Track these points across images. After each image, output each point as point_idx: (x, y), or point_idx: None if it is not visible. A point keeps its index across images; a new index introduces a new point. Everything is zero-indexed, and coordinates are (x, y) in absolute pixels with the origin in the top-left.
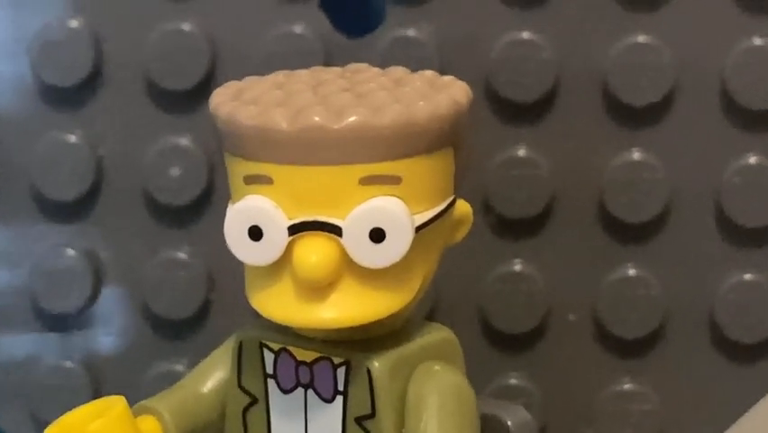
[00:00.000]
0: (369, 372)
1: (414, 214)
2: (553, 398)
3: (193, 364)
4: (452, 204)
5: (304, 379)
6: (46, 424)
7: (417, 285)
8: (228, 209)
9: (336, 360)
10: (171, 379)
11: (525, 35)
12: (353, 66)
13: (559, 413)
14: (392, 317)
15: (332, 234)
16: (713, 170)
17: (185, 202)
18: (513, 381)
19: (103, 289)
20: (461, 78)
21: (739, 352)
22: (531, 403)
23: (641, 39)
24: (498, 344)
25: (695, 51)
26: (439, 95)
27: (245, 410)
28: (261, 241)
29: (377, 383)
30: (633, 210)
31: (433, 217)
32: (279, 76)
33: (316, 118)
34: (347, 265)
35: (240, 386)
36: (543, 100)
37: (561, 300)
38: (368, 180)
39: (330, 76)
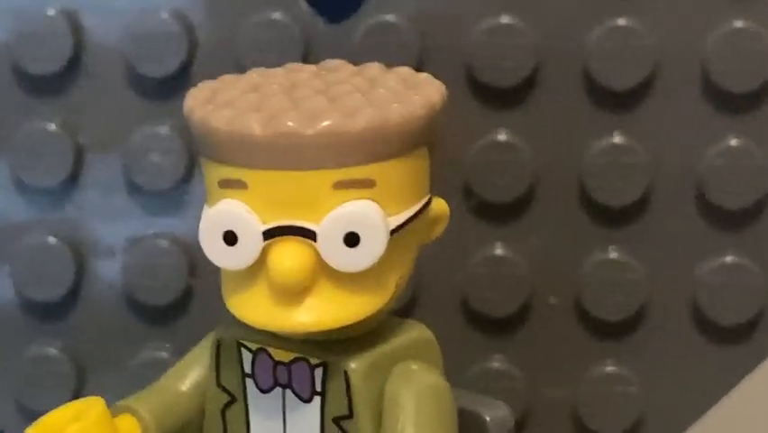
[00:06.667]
0: (345, 373)
1: (389, 216)
2: (535, 381)
3: (176, 351)
4: (427, 203)
5: (282, 379)
6: (31, 412)
7: (393, 286)
8: (203, 213)
9: (313, 361)
10: (155, 366)
11: (505, 19)
12: (329, 63)
13: (542, 396)
14: (368, 318)
15: (306, 239)
16: (694, 152)
17: (165, 188)
18: (495, 364)
19: (85, 276)
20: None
21: (721, 334)
22: (513, 387)
23: (621, 22)
24: (481, 327)
25: (676, 34)
26: (413, 96)
27: (224, 409)
28: (236, 246)
29: (354, 384)
30: (614, 194)
31: (408, 219)
32: (254, 75)
33: (290, 123)
34: (322, 269)
35: (218, 385)
36: (523, 85)
37: (543, 284)
38: (342, 185)
39: (305, 75)
